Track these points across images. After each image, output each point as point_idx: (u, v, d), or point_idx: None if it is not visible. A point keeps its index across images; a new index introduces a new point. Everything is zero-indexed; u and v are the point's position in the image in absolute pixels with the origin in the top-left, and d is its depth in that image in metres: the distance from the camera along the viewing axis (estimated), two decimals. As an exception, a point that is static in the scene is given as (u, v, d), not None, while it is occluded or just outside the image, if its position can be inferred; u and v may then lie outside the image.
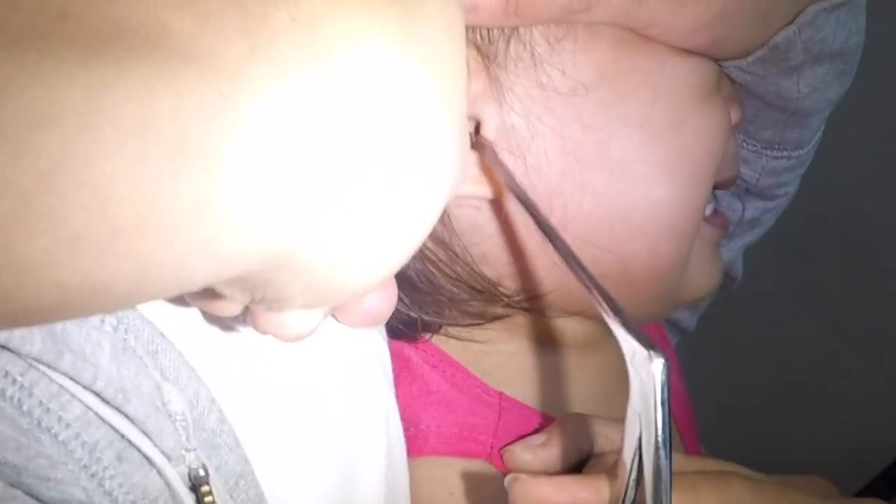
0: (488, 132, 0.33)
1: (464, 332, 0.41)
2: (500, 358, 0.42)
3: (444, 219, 0.36)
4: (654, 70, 0.35)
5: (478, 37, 0.33)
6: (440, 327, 0.40)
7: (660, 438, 0.21)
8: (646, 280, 0.38)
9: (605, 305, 0.23)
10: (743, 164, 0.44)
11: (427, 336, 0.40)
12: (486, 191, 0.34)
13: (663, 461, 0.21)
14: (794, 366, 1.08)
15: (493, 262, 0.37)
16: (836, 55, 0.38)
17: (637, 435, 0.22)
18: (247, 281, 0.18)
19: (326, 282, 0.19)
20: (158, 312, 0.27)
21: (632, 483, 0.22)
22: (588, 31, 0.33)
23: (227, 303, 0.22)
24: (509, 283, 0.38)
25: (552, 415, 0.39)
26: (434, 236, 0.36)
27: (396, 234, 0.19)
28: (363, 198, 0.18)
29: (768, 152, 0.44)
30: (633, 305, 0.39)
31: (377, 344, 0.38)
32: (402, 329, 0.39)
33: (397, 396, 0.37)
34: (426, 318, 0.39)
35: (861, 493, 1.06)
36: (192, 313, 0.29)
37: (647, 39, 0.34)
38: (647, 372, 0.21)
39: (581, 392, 0.42)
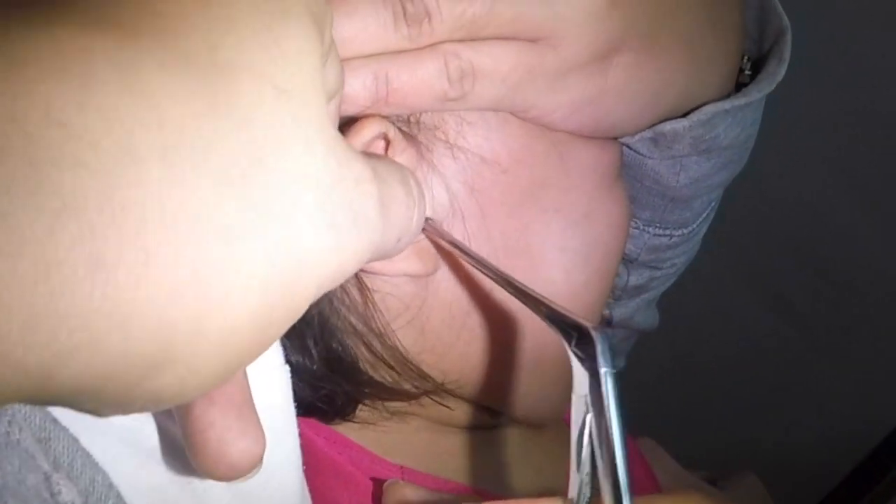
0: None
1: (361, 415, 0.40)
2: (400, 436, 0.41)
3: (368, 296, 0.36)
4: (564, 156, 0.36)
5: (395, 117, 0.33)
6: (356, 408, 0.39)
7: (608, 412, 0.21)
8: (556, 365, 0.38)
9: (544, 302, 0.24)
10: (626, 238, 0.47)
11: (339, 419, 0.39)
12: (417, 266, 0.34)
13: (614, 429, 0.21)
14: (756, 366, 1.08)
15: (413, 340, 0.37)
16: (725, 149, 0.40)
17: (582, 416, 0.22)
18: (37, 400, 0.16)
19: (110, 398, 0.16)
20: None
21: (584, 472, 0.22)
22: (498, 116, 0.34)
23: None
24: (429, 362, 0.38)
25: (457, 481, 0.38)
26: (357, 313, 0.36)
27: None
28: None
29: (650, 230, 0.46)
30: (545, 390, 0.39)
31: (290, 428, 0.36)
32: (319, 408, 0.38)
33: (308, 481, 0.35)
34: (348, 394, 0.38)
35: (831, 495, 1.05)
36: None
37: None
38: (588, 350, 0.22)
39: (485, 462, 0.42)
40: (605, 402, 0.21)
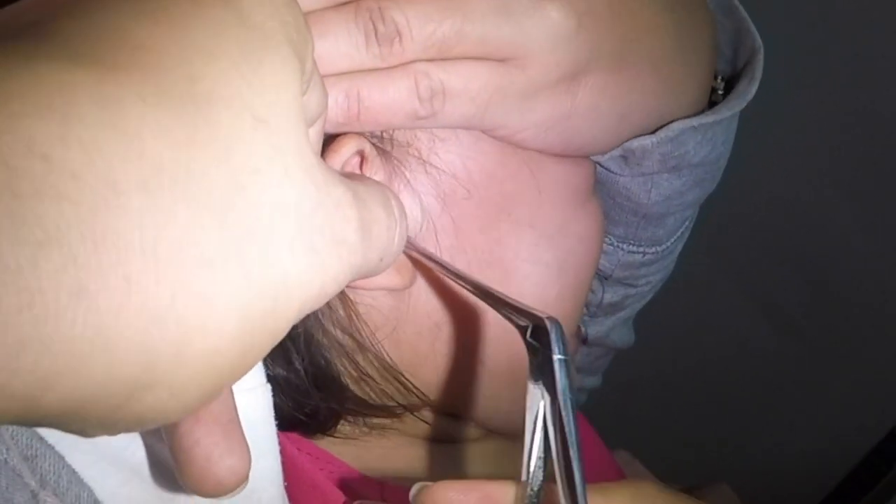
0: None
1: (343, 430, 0.41)
2: (380, 451, 0.41)
3: (352, 309, 0.36)
4: (535, 173, 0.37)
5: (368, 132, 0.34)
6: (338, 422, 0.40)
7: (561, 396, 0.22)
8: (525, 371, 0.39)
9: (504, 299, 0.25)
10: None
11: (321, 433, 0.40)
12: (395, 280, 0.35)
13: (568, 418, 0.21)
14: (747, 374, 1.06)
15: (392, 353, 0.38)
16: (696, 167, 0.41)
17: (537, 406, 0.22)
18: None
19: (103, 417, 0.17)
20: None
21: (535, 456, 0.22)
22: (469, 133, 0.35)
23: None
24: (407, 373, 0.39)
25: None
26: (341, 327, 0.37)
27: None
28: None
29: (624, 246, 0.47)
30: (516, 397, 0.40)
31: (272, 446, 0.37)
32: (302, 421, 0.38)
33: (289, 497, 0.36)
34: (332, 407, 0.38)
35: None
36: None
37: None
38: (543, 339, 0.23)
39: (464, 475, 0.42)
40: (558, 389, 0.22)
